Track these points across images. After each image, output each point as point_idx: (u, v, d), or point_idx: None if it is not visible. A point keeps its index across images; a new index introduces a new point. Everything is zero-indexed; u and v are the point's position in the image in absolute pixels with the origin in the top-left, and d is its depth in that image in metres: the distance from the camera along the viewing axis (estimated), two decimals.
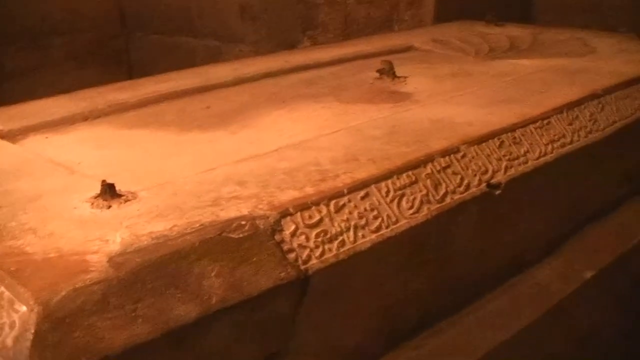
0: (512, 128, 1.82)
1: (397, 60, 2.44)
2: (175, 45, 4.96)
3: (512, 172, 1.72)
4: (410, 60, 2.62)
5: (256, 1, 4.44)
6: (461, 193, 1.58)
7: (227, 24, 4.61)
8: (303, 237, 1.31)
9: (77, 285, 1.08)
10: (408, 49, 2.83)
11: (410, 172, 1.52)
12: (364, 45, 2.86)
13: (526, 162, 1.77)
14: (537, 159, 1.81)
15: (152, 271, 1.15)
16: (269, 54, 3.24)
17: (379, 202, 1.44)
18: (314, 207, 1.35)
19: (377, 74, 2.28)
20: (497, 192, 1.66)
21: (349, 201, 1.40)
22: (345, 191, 1.41)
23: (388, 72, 2.26)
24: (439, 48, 2.84)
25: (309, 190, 1.40)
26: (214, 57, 4.53)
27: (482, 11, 3.49)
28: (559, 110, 1.98)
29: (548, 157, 1.84)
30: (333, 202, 1.38)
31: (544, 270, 1.88)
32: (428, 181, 1.54)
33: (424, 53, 2.79)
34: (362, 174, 1.48)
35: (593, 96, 2.12)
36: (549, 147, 1.86)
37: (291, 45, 4.15)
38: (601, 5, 4.34)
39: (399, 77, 2.27)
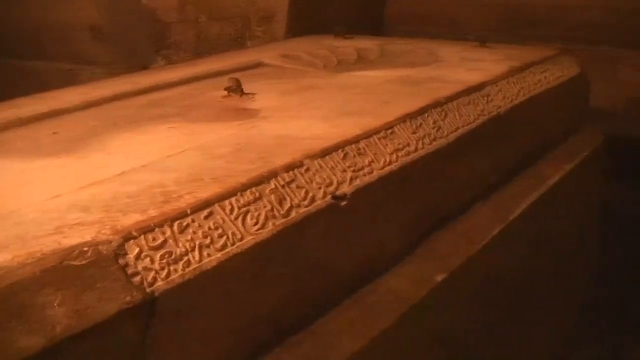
0: (356, 139, 1.86)
1: (246, 77, 2.46)
2: (28, 70, 4.86)
3: (357, 182, 1.76)
4: (260, 76, 2.64)
5: (107, 22, 4.40)
6: (306, 206, 1.61)
7: (79, 46, 4.55)
8: (148, 259, 1.31)
9: None
10: (258, 65, 2.85)
11: (254, 189, 1.54)
12: (214, 63, 2.88)
13: (371, 172, 1.81)
14: (382, 168, 1.85)
15: None
16: (120, 75, 3.22)
17: (223, 220, 1.45)
18: (157, 229, 1.36)
19: (226, 92, 2.29)
20: (343, 203, 1.70)
21: (193, 221, 1.41)
22: (189, 211, 1.42)
23: (236, 89, 2.28)
24: (288, 63, 2.87)
25: (153, 212, 1.40)
26: (68, 81, 4.45)
27: (336, 24, 3.55)
28: (402, 119, 2.03)
29: (393, 166, 1.89)
30: (177, 222, 1.39)
31: (397, 276, 1.91)
32: (272, 197, 1.56)
33: (273, 69, 2.82)
34: (205, 193, 1.48)
35: (436, 104, 2.19)
36: (394, 156, 1.91)
37: (145, 66, 4.13)
38: (451, 15, 4.47)
39: (247, 94, 2.28)
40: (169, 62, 4.14)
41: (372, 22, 4.47)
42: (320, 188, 1.67)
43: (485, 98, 2.40)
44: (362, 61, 2.94)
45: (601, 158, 3.15)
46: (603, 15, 4.19)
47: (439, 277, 1.93)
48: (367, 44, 3.21)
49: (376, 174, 1.82)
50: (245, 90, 2.30)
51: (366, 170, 1.81)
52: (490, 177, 2.41)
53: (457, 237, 2.13)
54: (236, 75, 2.43)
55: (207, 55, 3.85)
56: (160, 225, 1.37)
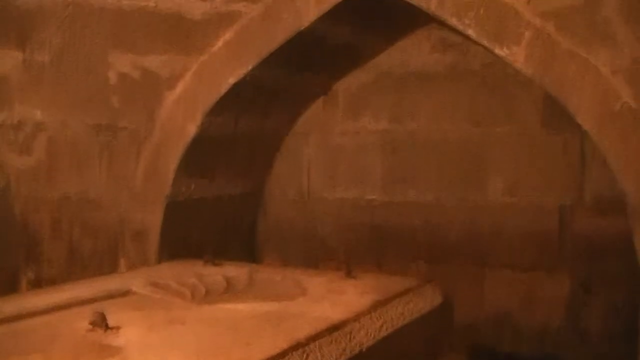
0: None
1: (113, 306, 2.47)
2: None
3: None
4: (127, 306, 2.64)
5: None
6: None
7: None
8: None
9: None
10: (126, 293, 2.86)
11: None
12: (83, 289, 2.87)
13: None
14: None
15: None
16: None
17: None
18: None
19: (90, 326, 2.28)
20: None
21: None
22: None
23: (100, 323, 2.26)
24: (156, 292, 2.88)
25: None
26: None
27: (208, 242, 3.60)
28: None
29: None
30: None
31: None
32: None
33: (141, 298, 2.83)
34: None
35: (298, 345, 2.21)
36: None
37: (15, 280, 4.09)
38: (320, 235, 4.59)
39: (111, 329, 2.27)
40: (38, 276, 4.11)
41: (244, 243, 4.55)
42: None
43: (348, 336, 2.44)
44: (230, 290, 2.98)
45: None
46: (467, 235, 4.36)
47: None
48: (236, 271, 3.26)
49: None
50: (111, 322, 2.29)
51: None
52: None
53: None
54: (104, 303, 2.43)
55: (79, 271, 3.86)
56: None
